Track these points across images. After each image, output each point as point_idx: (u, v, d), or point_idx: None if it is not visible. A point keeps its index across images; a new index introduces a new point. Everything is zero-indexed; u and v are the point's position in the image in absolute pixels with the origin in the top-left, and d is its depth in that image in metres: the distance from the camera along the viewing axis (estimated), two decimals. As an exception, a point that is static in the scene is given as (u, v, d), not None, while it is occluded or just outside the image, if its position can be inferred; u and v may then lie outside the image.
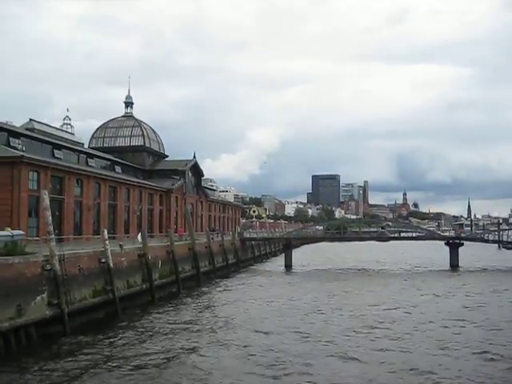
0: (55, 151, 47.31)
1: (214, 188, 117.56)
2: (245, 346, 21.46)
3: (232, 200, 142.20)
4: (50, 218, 25.57)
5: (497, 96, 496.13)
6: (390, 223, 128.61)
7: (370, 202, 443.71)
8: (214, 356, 20.08)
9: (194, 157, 73.44)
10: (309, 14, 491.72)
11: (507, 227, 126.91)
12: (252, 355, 20.00)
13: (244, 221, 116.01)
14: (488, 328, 24.93)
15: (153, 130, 74.68)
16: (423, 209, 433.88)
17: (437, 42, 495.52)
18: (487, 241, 68.70)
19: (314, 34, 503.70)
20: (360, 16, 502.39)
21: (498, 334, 23.71)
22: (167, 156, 75.37)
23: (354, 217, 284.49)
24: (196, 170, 73.86)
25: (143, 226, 53.42)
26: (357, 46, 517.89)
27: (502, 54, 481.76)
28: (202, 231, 63.52)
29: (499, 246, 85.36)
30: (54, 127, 61.33)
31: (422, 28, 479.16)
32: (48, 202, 26.01)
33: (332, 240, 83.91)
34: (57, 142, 50.36)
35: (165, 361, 19.26)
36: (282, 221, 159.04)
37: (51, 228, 24.97)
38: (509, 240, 69.14)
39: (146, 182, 60.92)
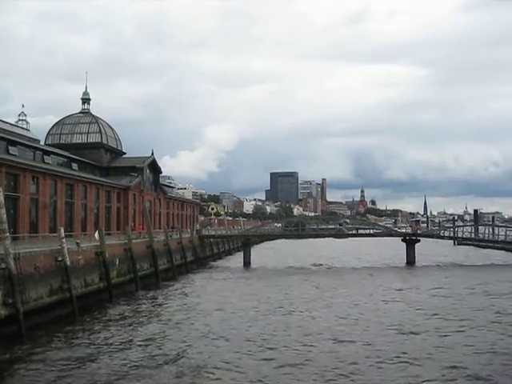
0: (10, 148, 46.22)
1: (173, 185, 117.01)
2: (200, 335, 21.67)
3: (190, 197, 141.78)
4: (5, 216, 25.02)
5: (453, 96, 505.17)
6: (348, 220, 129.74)
7: (328, 200, 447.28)
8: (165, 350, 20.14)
9: (152, 154, 72.81)
10: (269, 14, 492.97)
11: (462, 224, 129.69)
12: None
13: (202, 218, 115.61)
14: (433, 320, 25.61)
15: (110, 126, 73.73)
16: (380, 206, 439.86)
17: (394, 43, 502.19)
18: (443, 237, 69.93)
19: (275, 33, 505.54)
20: (320, 16, 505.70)
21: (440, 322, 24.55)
22: (125, 153, 74.54)
23: (312, 214, 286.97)
24: (154, 167, 73.26)
25: (101, 223, 52.72)
26: (316, 45, 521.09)
27: (457, 55, 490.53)
28: (160, 229, 63.05)
29: (454, 243, 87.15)
30: (9, 123, 60.07)
31: (380, 28, 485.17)
32: (2, 200, 25.45)
33: (290, 237, 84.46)
34: (11, 138, 49.31)
35: (123, 361, 19.13)
36: (241, 218, 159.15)
37: (6, 226, 24.45)
38: (463, 236, 70.50)
39: (104, 180, 60.14)
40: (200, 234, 68.16)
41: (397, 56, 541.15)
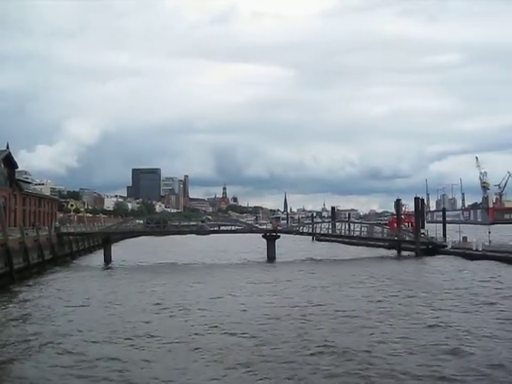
0: None
1: (30, 181, 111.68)
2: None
3: (49, 193, 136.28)
4: None
5: (314, 97, 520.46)
6: (210, 217, 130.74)
7: (190, 196, 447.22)
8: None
9: (7, 147, 69.37)
10: (137, 9, 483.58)
11: (320, 220, 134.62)
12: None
13: (61, 215, 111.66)
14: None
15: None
16: (242, 203, 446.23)
17: (259, 43, 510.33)
18: (302, 233, 72.40)
19: (141, 28, 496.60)
20: (186, 13, 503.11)
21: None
22: (-24, 147, 70.43)
23: (175, 211, 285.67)
24: (9, 162, 69.72)
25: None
26: (183, 42, 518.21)
27: (319, 58, 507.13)
28: (16, 226, 60.21)
29: (313, 238, 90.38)
30: None
31: (246, 29, 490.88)
32: None
33: (152, 234, 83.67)
34: None
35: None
36: (102, 215, 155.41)
37: None
38: (321, 232, 73.32)
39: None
40: (59, 231, 65.83)
41: (261, 56, 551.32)
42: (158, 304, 30.79)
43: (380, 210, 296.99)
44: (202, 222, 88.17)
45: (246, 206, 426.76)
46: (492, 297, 31.67)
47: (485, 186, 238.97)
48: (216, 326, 24.27)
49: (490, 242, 61.98)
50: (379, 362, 18.25)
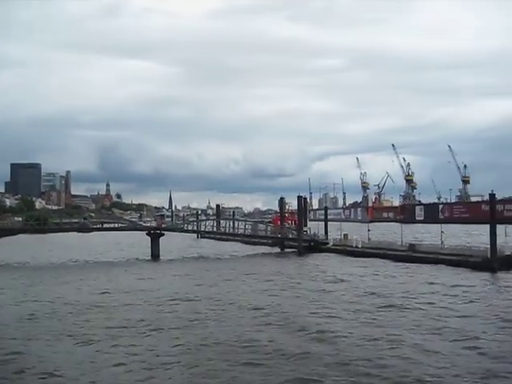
0: None
1: None
2: None
3: None
4: None
5: (201, 96, 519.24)
6: (93, 214, 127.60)
7: (72, 193, 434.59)
8: None
9: None
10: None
11: (205, 218, 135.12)
12: None
13: None
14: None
15: None
16: (126, 200, 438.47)
17: (148, 40, 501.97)
18: (187, 231, 72.42)
19: (26, 18, 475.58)
20: (75, 5, 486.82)
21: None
22: None
23: (56, 207, 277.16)
24: None
25: None
26: (70, 35, 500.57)
27: (209, 57, 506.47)
28: None
29: (198, 236, 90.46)
30: None
31: (135, 24, 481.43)
32: None
33: (32, 232, 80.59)
34: None
35: None
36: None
37: None
38: (206, 230, 73.64)
39: None
40: None
41: (150, 53, 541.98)
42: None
43: (264, 208, 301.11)
44: (85, 219, 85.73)
45: (130, 203, 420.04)
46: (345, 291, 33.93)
47: (365, 186, 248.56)
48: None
49: (369, 239, 64.65)
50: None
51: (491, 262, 43.59)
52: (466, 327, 23.42)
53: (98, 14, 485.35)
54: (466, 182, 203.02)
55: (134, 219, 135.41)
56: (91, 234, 73.32)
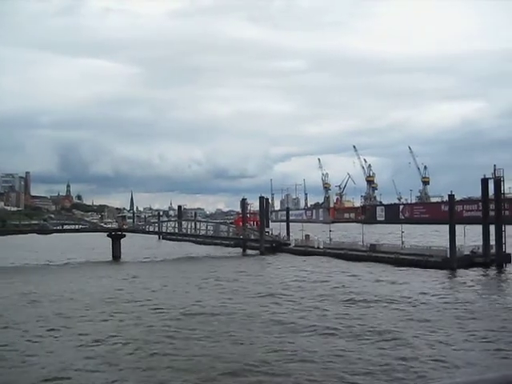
0: None
1: None
2: None
3: None
4: None
5: (162, 96, 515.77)
6: (53, 215, 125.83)
7: (32, 194, 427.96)
8: None
9: None
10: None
11: (167, 219, 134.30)
12: None
13: None
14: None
15: None
16: (87, 201, 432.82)
17: (107, 39, 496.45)
18: (148, 232, 72.07)
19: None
20: (33, 3, 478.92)
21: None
22: None
23: (15, 209, 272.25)
24: None
25: None
26: (25, 33, 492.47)
27: (169, 57, 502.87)
28: None
29: (159, 237, 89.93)
30: None
31: (94, 23, 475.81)
32: None
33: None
34: None
35: None
36: None
37: None
38: (168, 231, 73.20)
39: None
40: None
41: (110, 52, 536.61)
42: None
43: (226, 209, 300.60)
44: (45, 220, 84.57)
45: (91, 204, 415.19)
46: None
47: (326, 187, 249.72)
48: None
49: (330, 239, 65.03)
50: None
51: (450, 262, 44.37)
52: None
53: (57, 12, 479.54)
54: (425, 182, 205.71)
55: (94, 220, 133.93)
56: (51, 235, 72.37)
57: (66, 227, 73.55)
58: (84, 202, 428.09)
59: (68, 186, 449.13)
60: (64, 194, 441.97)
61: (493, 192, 48.41)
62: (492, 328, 23.54)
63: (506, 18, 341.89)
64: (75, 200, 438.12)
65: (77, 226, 70.63)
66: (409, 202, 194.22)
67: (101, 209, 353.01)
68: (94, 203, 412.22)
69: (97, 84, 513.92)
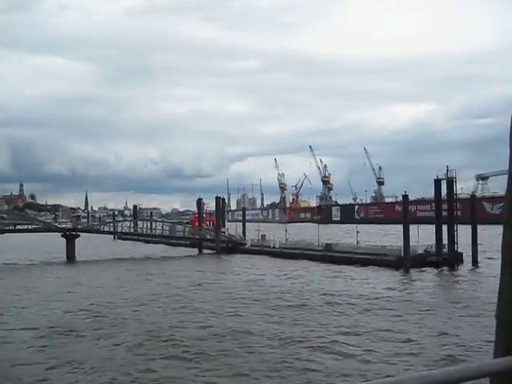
0: None
1: None
2: None
3: None
4: None
5: (117, 94, 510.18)
6: (5, 215, 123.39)
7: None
8: None
9: None
10: None
11: (122, 219, 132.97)
12: None
13: None
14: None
15: None
16: (41, 200, 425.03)
17: (62, 36, 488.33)
18: (103, 232, 71.28)
19: None
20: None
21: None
22: None
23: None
24: None
25: None
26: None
27: (124, 55, 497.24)
28: None
29: (115, 237, 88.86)
30: None
31: (49, 20, 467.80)
32: None
33: None
34: None
35: None
36: None
37: None
38: (123, 231, 72.55)
39: None
40: None
41: (65, 50, 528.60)
42: None
43: (182, 209, 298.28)
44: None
45: (44, 203, 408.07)
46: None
47: (282, 187, 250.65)
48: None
49: (286, 239, 65.36)
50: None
51: (404, 261, 45.09)
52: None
53: (11, 8, 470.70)
54: (380, 183, 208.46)
55: (48, 220, 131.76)
56: (3, 235, 70.96)
57: (18, 227, 72.25)
58: (38, 202, 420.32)
59: (21, 185, 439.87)
60: (17, 194, 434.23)
61: (445, 192, 49.48)
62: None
63: (459, 21, 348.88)
64: (28, 199, 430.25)
65: (30, 226, 69.48)
66: (364, 202, 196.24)
67: (55, 208, 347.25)
68: (48, 203, 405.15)
69: (52, 82, 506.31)
